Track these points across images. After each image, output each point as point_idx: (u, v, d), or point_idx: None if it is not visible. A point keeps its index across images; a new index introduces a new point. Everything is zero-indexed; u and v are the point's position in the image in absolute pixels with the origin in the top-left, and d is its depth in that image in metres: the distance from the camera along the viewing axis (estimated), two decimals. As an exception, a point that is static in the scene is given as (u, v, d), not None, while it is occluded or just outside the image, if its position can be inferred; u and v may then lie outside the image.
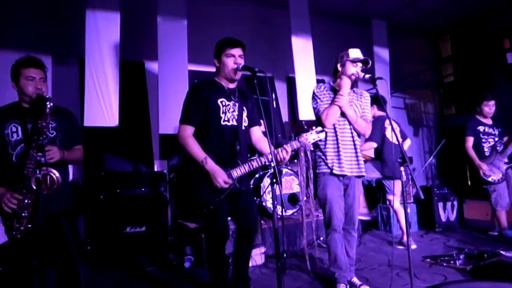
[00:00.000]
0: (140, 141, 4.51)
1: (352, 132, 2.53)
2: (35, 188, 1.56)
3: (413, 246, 3.54)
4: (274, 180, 1.80)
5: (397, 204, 3.69)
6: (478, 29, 6.39)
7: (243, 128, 2.16)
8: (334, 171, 2.48)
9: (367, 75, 2.44)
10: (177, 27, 4.23)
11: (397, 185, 3.63)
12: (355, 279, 2.58)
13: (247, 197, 2.22)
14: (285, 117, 5.62)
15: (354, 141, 2.54)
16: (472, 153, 3.88)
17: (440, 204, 4.41)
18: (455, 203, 4.47)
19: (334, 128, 2.51)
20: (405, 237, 3.65)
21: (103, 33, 3.87)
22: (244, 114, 2.18)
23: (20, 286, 1.86)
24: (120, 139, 4.26)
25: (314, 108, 2.61)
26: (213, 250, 2.14)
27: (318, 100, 2.56)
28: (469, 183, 6.62)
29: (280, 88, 5.65)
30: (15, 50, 3.82)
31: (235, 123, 2.11)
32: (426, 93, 7.39)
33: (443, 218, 4.39)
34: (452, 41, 7.01)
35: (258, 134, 2.30)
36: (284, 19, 5.07)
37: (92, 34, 3.82)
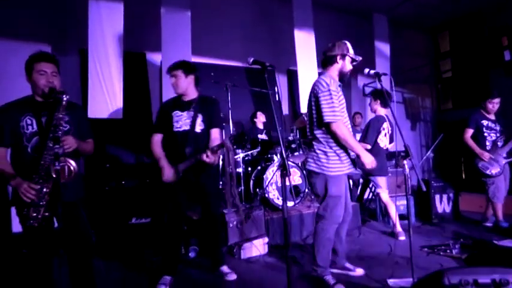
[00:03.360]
0: (143, 132, 4.52)
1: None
2: (55, 176, 1.59)
3: (402, 238, 3.64)
4: (282, 172, 1.91)
5: (385, 197, 3.79)
6: (477, 25, 6.45)
7: (199, 131, 2.58)
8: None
9: (372, 71, 2.48)
10: (181, 18, 4.22)
11: (382, 181, 3.77)
12: (348, 265, 2.73)
13: (200, 187, 2.65)
14: (285, 110, 5.66)
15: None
16: (472, 142, 3.97)
17: (437, 197, 4.53)
18: (451, 195, 4.58)
19: (324, 132, 2.47)
20: (396, 229, 3.76)
21: (106, 23, 3.84)
22: (199, 119, 2.58)
23: (36, 275, 1.91)
24: (123, 130, 4.27)
25: (325, 103, 2.40)
26: (169, 225, 2.62)
27: (333, 102, 2.39)
28: (463, 176, 6.78)
29: (281, 81, 5.66)
30: (14, 39, 3.82)
31: (187, 128, 2.55)
32: (424, 88, 7.47)
33: (439, 210, 4.51)
34: (450, 37, 7.07)
35: (213, 135, 2.64)
36: (286, 12, 5.07)
37: (95, 24, 3.79)
